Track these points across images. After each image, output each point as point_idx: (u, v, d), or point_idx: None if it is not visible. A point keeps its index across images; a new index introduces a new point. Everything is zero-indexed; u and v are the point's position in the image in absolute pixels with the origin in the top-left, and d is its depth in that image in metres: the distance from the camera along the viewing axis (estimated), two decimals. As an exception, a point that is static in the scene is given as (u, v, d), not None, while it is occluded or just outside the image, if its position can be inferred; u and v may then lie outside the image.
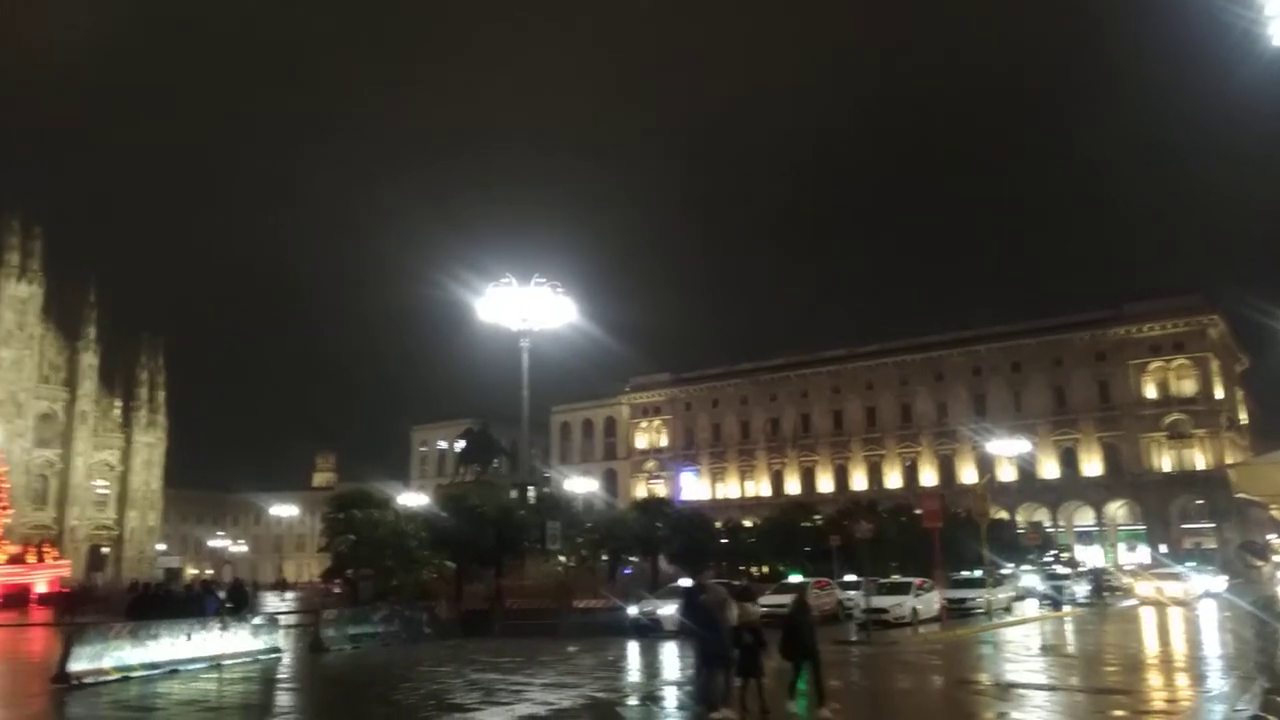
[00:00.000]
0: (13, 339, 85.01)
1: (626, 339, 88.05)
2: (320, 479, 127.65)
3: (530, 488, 39.74)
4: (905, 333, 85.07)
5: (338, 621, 26.69)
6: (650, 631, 27.12)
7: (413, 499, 49.96)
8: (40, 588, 57.97)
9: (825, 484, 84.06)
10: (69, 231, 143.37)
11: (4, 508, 62.95)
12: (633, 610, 28.78)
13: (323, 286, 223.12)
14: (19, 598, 53.97)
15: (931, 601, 31.57)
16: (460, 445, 55.02)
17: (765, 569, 49.77)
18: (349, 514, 36.06)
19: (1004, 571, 42.79)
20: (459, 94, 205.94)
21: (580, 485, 55.01)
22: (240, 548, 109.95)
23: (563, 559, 36.17)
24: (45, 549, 65.86)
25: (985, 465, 74.10)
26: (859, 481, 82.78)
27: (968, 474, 77.75)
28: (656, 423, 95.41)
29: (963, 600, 34.18)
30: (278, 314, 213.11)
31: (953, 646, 25.42)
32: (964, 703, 16.02)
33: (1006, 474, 75.66)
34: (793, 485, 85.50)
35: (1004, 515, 65.44)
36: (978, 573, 37.54)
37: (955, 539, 37.74)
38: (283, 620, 27.81)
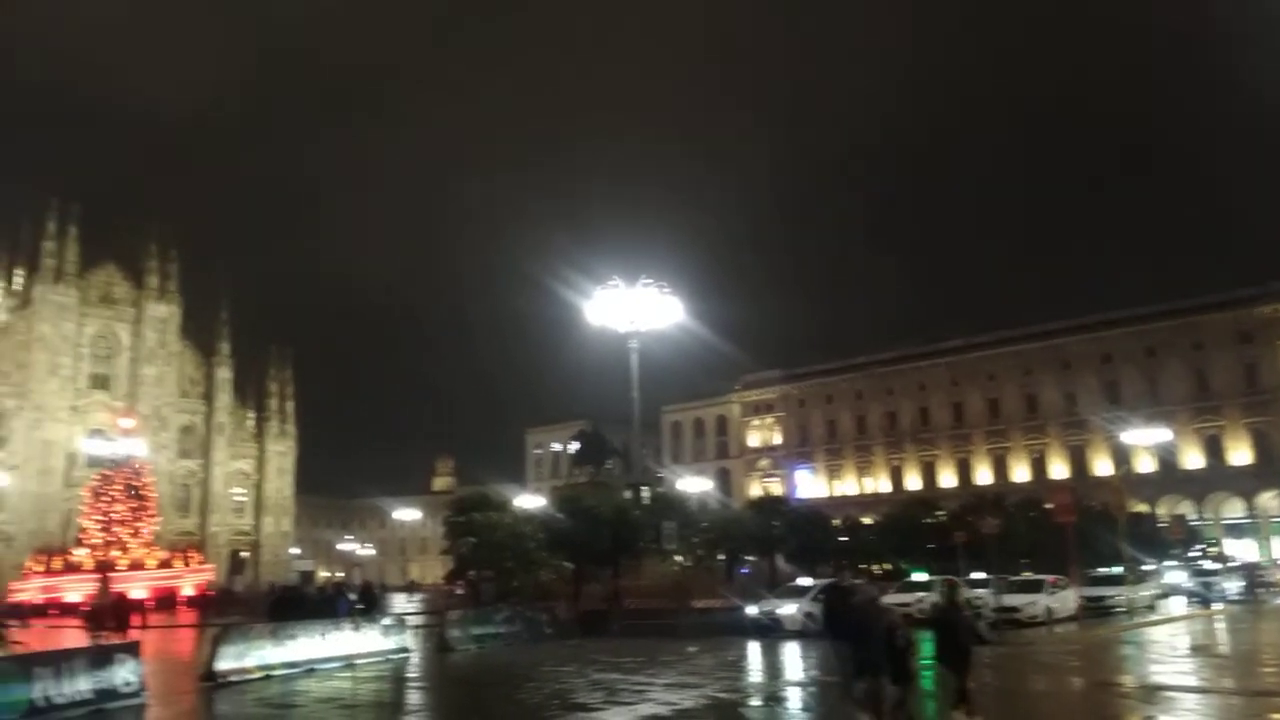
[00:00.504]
0: (155, 357, 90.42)
1: (734, 337, 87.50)
2: (440, 483, 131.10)
3: (644, 488, 39.79)
4: (1026, 320, 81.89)
5: (462, 622, 27.26)
6: (771, 631, 26.76)
7: (529, 501, 50.73)
8: (187, 590, 61.37)
9: (947, 479, 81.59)
10: (200, 252, 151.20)
11: (152, 516, 66.80)
12: (752, 610, 28.45)
13: (439, 296, 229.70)
14: (168, 600, 57.21)
15: (1067, 600, 30.16)
16: (573, 447, 55.64)
17: (887, 567, 48.57)
18: (469, 517, 36.87)
19: (1146, 568, 40.57)
20: (568, 97, 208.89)
21: (693, 485, 54.82)
22: (368, 551, 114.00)
23: (679, 559, 36.10)
24: (190, 554, 69.59)
25: (1120, 456, 70.46)
26: (983, 476, 79.99)
27: (1101, 466, 74.17)
28: (769, 420, 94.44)
29: (1101, 598, 32.54)
30: (396, 323, 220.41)
31: (1092, 647, 24.24)
32: (1107, 705, 15.19)
33: (1144, 465, 71.87)
34: (913, 481, 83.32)
35: (1143, 508, 62.14)
36: (1117, 569, 35.67)
37: (1090, 534, 36.01)
38: (410, 621, 28.56)
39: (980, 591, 30.57)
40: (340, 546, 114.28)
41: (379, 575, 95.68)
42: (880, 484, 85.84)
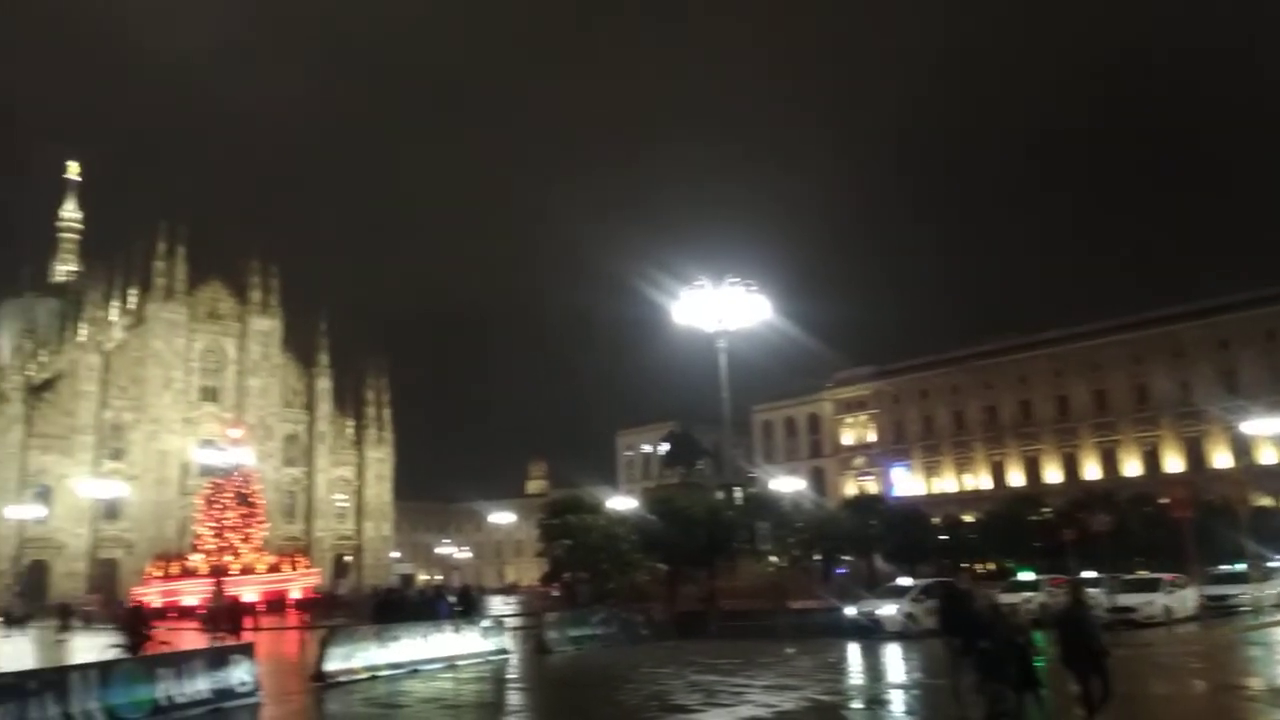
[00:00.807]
0: (259, 369, 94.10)
1: (823, 335, 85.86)
2: (533, 486, 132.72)
3: (736, 488, 39.47)
4: (1133, 308, 78.41)
5: (559, 624, 27.46)
6: (871, 633, 26.21)
7: (621, 503, 50.91)
8: (295, 594, 63.49)
9: (1052, 474, 78.68)
10: (299, 266, 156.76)
11: (261, 522, 69.36)
12: (851, 611, 27.92)
13: (529, 301, 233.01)
14: (278, 603, 59.30)
15: (1186, 599, 28.72)
16: (663, 448, 55.58)
17: (991, 566, 47.10)
18: (563, 519, 37.17)
19: (1271, 565, 38.36)
20: (649, 101, 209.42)
21: (786, 484, 54.12)
22: (465, 554, 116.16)
23: (774, 559, 35.68)
24: (297, 559, 72.01)
25: (1240, 448, 66.78)
26: (1091, 471, 76.87)
27: (1220, 459, 70.41)
28: (862, 418, 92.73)
29: (1224, 597, 30.84)
30: (487, 329, 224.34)
31: (1215, 648, 23.05)
32: (1234, 710, 14.37)
33: (1267, 457, 68.04)
34: (1016, 477, 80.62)
35: (1268, 502, 58.83)
36: (1240, 566, 33.81)
37: (1209, 530, 34.24)
38: (508, 623, 28.92)
39: (1091, 591, 29.38)
40: (438, 550, 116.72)
41: (476, 578, 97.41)
42: (981, 481, 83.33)
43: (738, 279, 29.76)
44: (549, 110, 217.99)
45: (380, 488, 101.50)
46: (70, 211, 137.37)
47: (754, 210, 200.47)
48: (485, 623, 26.22)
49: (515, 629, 29.41)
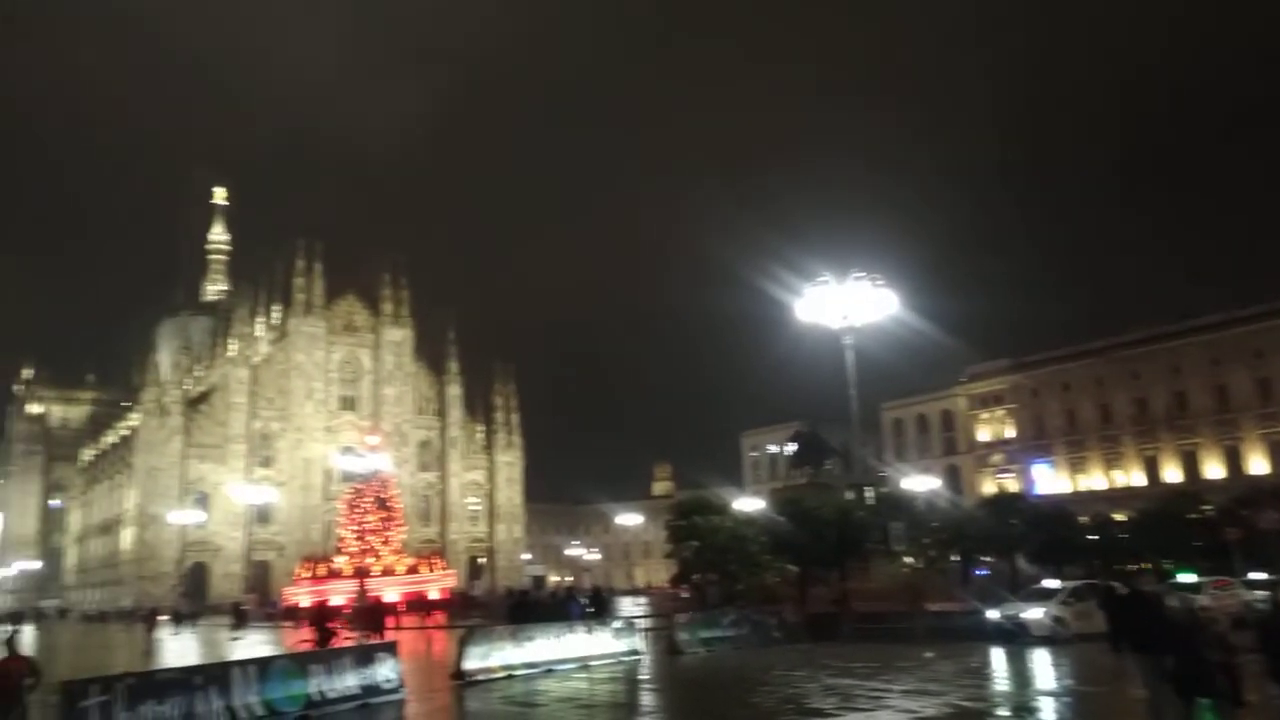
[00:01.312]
0: (393, 378, 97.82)
1: (954, 329, 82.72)
2: (659, 488, 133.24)
3: (867, 488, 38.48)
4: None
5: (690, 625, 27.33)
6: (1015, 637, 25.04)
7: (748, 504, 50.38)
8: (433, 594, 65.46)
9: (1213, 470, 73.59)
10: (428, 276, 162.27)
11: (399, 525, 71.79)
12: (993, 614, 26.76)
13: (652, 303, 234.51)
14: (417, 604, 61.27)
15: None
16: (790, 448, 54.83)
17: (1146, 567, 44.37)
18: (690, 521, 37.04)
19: None
20: (769, 101, 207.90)
21: (920, 483, 52.41)
22: (594, 555, 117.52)
23: (909, 560, 34.60)
24: (434, 560, 74.25)
25: None
26: (1257, 465, 71.51)
27: None
28: (999, 413, 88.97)
29: None
30: (611, 332, 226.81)
31: None
32: None
33: None
34: (1171, 473, 75.77)
35: None
36: None
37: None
38: (639, 624, 28.98)
39: (1260, 594, 27.28)
40: (568, 551, 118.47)
41: (605, 579, 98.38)
42: (1132, 477, 78.71)
43: (863, 273, 28.96)
44: (669, 114, 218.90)
45: (510, 491, 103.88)
46: (218, 234, 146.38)
47: (875, 209, 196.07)
48: (617, 623, 26.34)
49: (646, 630, 29.43)
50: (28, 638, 46.29)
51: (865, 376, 30.70)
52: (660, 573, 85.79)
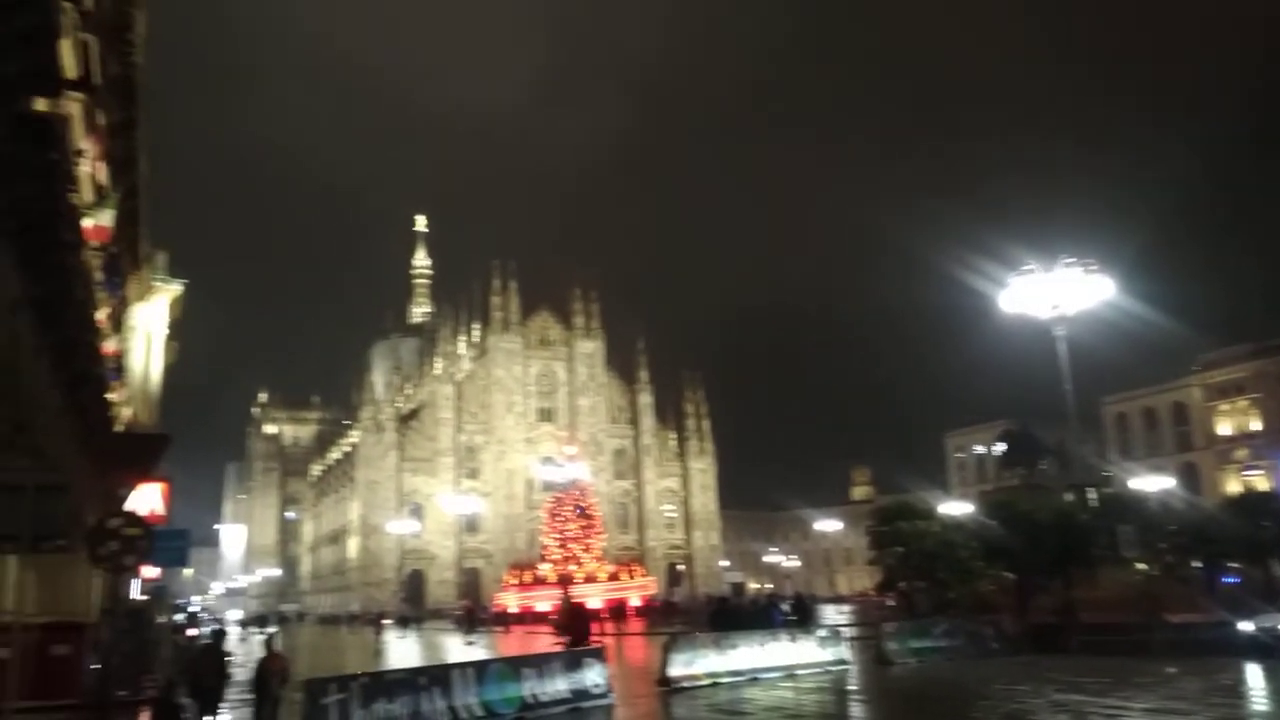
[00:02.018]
0: (586, 389, 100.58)
1: (1179, 314, 75.65)
2: (858, 492, 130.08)
3: (1089, 489, 35.70)
4: None
5: (899, 635, 26.25)
6: (1273, 652, 22.45)
7: (955, 508, 48.09)
8: (634, 601, 66.50)
9: None
10: (616, 287, 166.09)
11: (598, 533, 73.45)
12: (1246, 625, 24.12)
13: (843, 302, 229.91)
14: (619, 610, 62.40)
15: None
16: (999, 448, 51.93)
17: None
18: (894, 526, 35.70)
19: None
20: (963, 88, 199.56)
21: (1150, 483, 48.18)
22: (793, 562, 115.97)
23: (1142, 567, 31.75)
24: (633, 567, 75.43)
25: None
26: None
27: None
28: (1241, 403, 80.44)
29: None
30: (803, 333, 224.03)
31: None
32: None
33: None
34: None
35: None
36: None
37: None
38: (844, 632, 28.13)
39: None
40: (766, 558, 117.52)
41: (806, 586, 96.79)
42: None
43: (1073, 259, 26.93)
44: (859, 104, 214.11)
45: (705, 497, 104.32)
46: (421, 259, 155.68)
47: (1084, 190, 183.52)
48: (821, 631, 25.67)
49: (852, 639, 28.51)
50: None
51: (1080, 369, 28.51)
52: (863, 580, 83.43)
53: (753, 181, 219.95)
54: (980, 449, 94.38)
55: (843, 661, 24.04)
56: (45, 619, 15.11)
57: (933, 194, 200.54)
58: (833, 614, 48.73)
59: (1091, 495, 34.38)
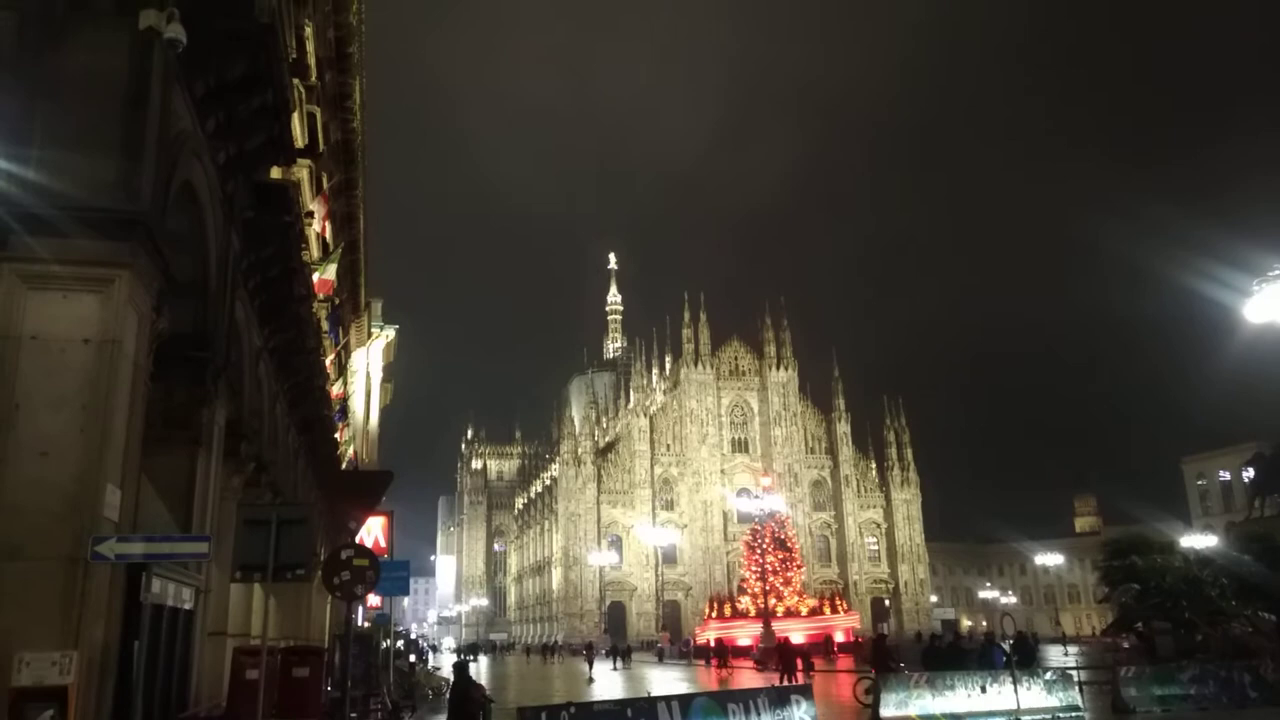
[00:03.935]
0: (780, 419, 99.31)
1: None
2: (1082, 523, 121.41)
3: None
4: None
5: (1139, 680, 23.88)
6: None
7: (1198, 541, 43.62)
8: (838, 636, 64.56)
9: None
10: (808, 315, 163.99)
11: (798, 566, 72.09)
12: None
13: (1062, 323, 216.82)
14: (823, 645, 60.71)
15: None
16: (1249, 474, 46.79)
17: None
18: (1128, 561, 32.79)
19: None
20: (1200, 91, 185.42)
21: None
22: (1009, 599, 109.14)
23: None
24: (837, 601, 73.39)
25: None
26: None
27: None
28: None
29: None
30: (1017, 357, 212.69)
31: None
32: None
33: None
34: None
35: None
36: None
37: None
38: (1074, 676, 25.94)
39: None
40: (981, 594, 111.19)
41: (1027, 625, 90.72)
42: None
43: (1328, 258, 23.98)
44: (1091, 114, 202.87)
45: (910, 529, 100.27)
46: (613, 296, 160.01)
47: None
48: (1048, 674, 23.75)
49: (1083, 683, 26.24)
50: (482, 667, 52.57)
51: (1345, 383, 25.27)
52: (1091, 619, 77.33)
53: (949, 200, 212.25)
54: (1226, 475, 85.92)
55: (1075, 708, 22.12)
56: (287, 643, 16.27)
57: (1161, 198, 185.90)
58: (1059, 656, 45.25)
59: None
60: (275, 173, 14.42)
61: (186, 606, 10.21)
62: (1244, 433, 76.12)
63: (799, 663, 32.82)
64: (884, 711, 19.37)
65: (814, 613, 67.86)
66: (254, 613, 14.37)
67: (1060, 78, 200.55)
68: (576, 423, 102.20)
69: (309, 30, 18.07)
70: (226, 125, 10.10)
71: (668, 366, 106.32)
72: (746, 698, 17.46)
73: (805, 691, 18.33)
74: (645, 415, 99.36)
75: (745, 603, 67.68)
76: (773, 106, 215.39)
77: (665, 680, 38.52)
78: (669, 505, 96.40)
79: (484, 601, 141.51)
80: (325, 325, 21.44)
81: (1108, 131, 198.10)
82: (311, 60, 18.31)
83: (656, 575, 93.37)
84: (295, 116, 14.81)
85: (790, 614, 65.22)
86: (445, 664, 46.19)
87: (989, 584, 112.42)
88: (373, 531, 22.72)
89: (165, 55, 8.17)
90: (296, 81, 15.87)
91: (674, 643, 72.46)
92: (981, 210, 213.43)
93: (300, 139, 16.68)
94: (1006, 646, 28.49)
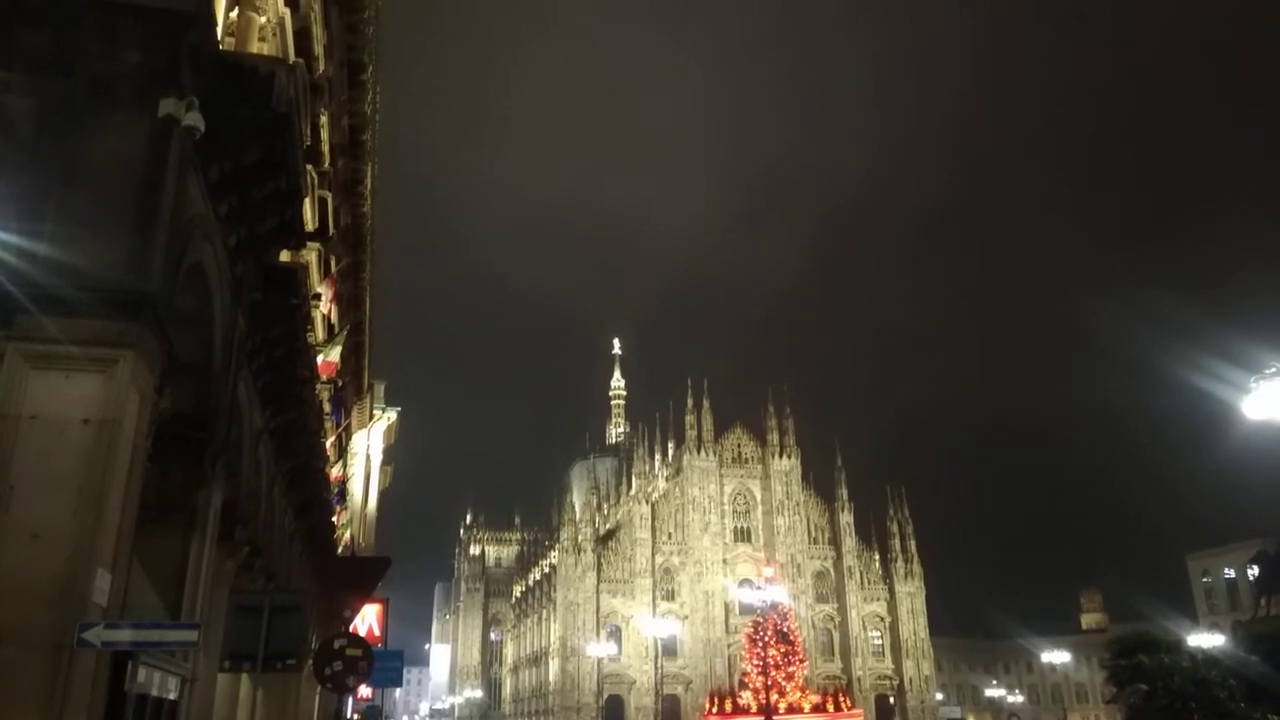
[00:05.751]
0: (783, 508, 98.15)
1: None
2: (1088, 620, 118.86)
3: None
4: None
5: (1154, 787, 23.11)
6: None
7: (1205, 640, 42.65)
8: (842, 735, 62.74)
9: None
10: (810, 402, 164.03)
11: (801, 660, 70.51)
12: None
13: (1064, 416, 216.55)
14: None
15: None
16: (1254, 572, 46.04)
17: None
18: (1135, 660, 32.07)
19: None
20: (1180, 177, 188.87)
21: None
22: (1016, 697, 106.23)
23: None
24: (840, 698, 71.51)
25: None
26: None
27: None
28: None
29: None
30: (1013, 451, 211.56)
31: None
32: None
33: None
34: None
35: None
36: None
37: None
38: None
39: None
40: (988, 692, 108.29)
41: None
42: None
43: (1333, 354, 23.99)
44: (1084, 199, 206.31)
45: (915, 623, 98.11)
46: (616, 381, 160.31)
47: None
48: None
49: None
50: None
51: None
52: (1100, 719, 75.02)
53: (951, 291, 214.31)
54: (1230, 573, 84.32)
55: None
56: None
57: (1153, 286, 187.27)
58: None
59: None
60: (285, 255, 14.58)
61: (171, 696, 9.91)
62: (1247, 529, 75.09)
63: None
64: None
65: (817, 709, 66.20)
66: (240, 703, 13.97)
67: (1066, 167, 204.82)
68: (577, 509, 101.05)
69: (324, 118, 18.51)
70: (239, 209, 10.25)
71: (670, 452, 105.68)
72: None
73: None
74: (647, 502, 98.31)
75: (746, 698, 66.08)
76: (781, 197, 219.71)
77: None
78: (670, 595, 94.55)
79: (478, 693, 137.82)
80: (328, 407, 21.41)
81: (1104, 219, 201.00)
82: (325, 147, 18.72)
83: (656, 667, 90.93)
84: (307, 201, 15.06)
85: (792, 710, 63.61)
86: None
87: (995, 681, 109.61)
88: (366, 619, 22.25)
89: (182, 142, 8.34)
90: (310, 167, 16.20)
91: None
92: (986, 300, 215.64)
93: (311, 223, 16.93)
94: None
